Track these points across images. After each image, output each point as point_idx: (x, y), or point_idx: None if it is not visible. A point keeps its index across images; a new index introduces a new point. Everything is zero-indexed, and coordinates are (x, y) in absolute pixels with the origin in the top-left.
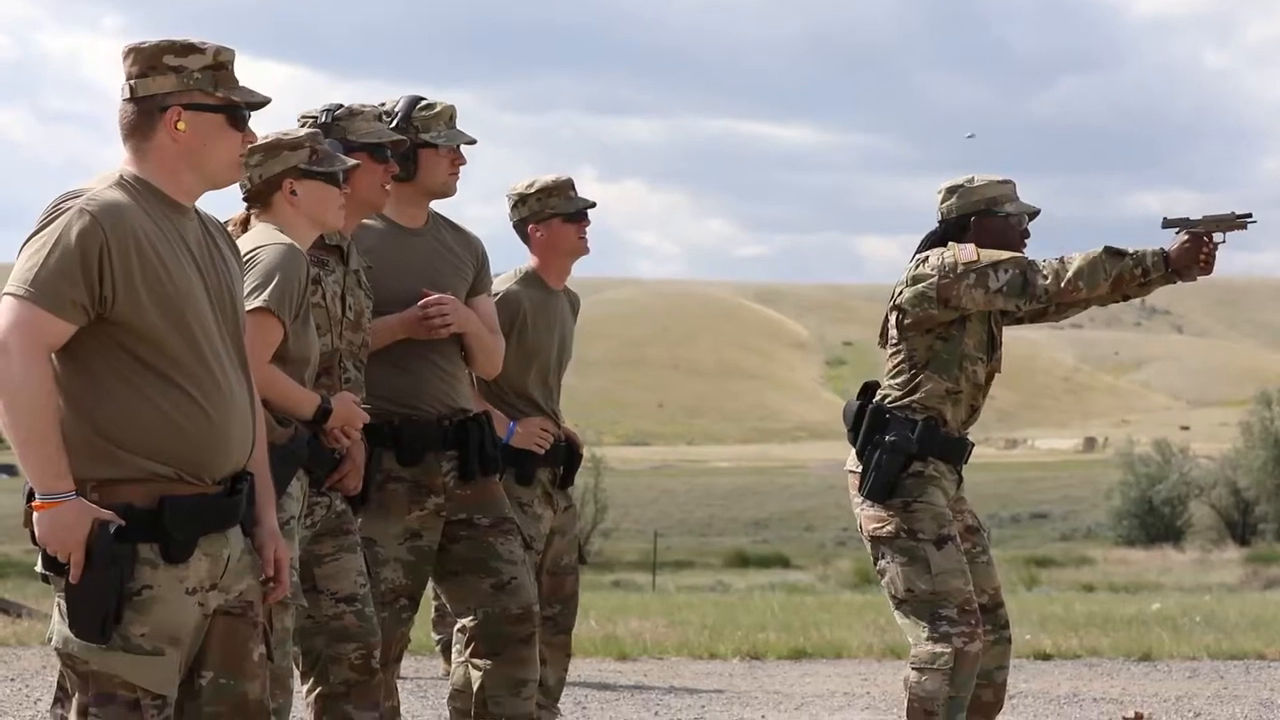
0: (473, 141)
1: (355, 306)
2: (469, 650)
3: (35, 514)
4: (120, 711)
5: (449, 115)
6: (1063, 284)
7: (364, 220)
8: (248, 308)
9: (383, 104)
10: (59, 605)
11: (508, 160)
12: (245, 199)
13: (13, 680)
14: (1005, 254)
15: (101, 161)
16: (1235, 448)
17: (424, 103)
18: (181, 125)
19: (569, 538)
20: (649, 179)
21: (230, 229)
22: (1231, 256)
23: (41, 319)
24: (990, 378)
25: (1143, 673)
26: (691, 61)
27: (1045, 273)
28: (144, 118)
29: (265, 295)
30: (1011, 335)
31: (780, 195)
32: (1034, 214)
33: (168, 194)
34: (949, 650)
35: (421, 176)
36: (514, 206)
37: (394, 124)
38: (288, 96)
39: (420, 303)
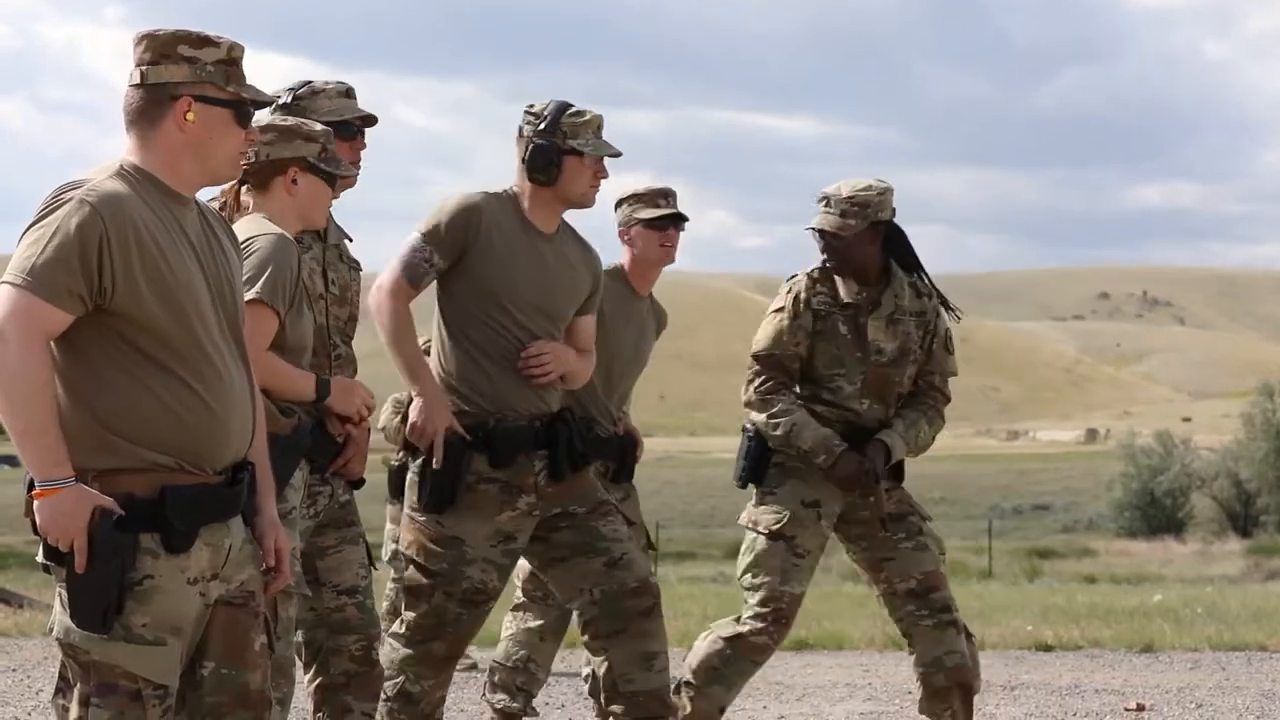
0: (618, 154)
1: (339, 281)
2: (587, 635)
3: (35, 502)
4: (122, 701)
5: (597, 125)
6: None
7: (500, 217)
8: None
9: (335, 82)
10: (60, 595)
11: (510, 151)
12: (245, 172)
13: (14, 670)
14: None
15: (101, 152)
16: (1237, 439)
17: (573, 109)
18: (191, 116)
19: (631, 524)
20: (650, 171)
21: (222, 199)
22: (1233, 249)
23: (39, 308)
24: (884, 379)
25: (1144, 664)
26: (693, 53)
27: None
28: (153, 105)
29: (259, 287)
30: (1013, 328)
31: (781, 187)
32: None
33: (168, 184)
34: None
35: (562, 184)
36: (615, 208)
37: (542, 127)
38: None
39: (522, 357)
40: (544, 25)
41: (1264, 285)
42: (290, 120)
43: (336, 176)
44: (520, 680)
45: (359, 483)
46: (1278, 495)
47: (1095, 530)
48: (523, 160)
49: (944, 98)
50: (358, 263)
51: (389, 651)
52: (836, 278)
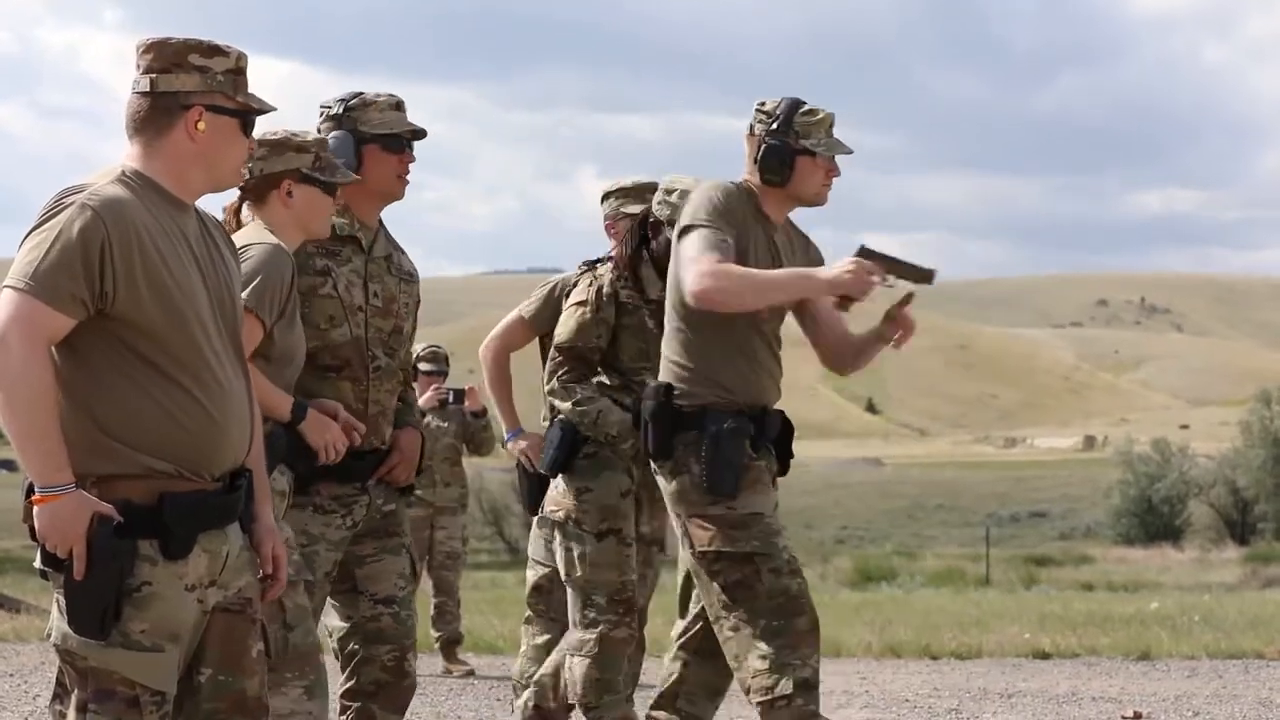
0: (850, 151)
1: (384, 293)
2: (681, 640)
3: (35, 508)
4: (119, 708)
5: (829, 123)
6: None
7: (744, 209)
8: None
9: (386, 94)
10: (58, 601)
11: (508, 157)
12: (242, 189)
13: (11, 676)
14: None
15: (101, 155)
16: (1235, 447)
17: (806, 108)
18: (201, 125)
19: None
20: (649, 176)
21: (224, 216)
22: (1232, 255)
23: (41, 312)
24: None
25: (1141, 672)
26: (692, 58)
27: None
28: (162, 114)
29: (245, 295)
30: (1012, 334)
31: None
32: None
33: (170, 191)
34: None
35: (795, 183)
36: (601, 200)
37: (774, 126)
38: (286, 93)
39: (850, 262)
40: (542, 30)
41: (1262, 292)
42: (279, 133)
43: (334, 184)
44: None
45: (408, 489)
46: (1275, 503)
47: (1093, 537)
48: (755, 159)
49: (944, 103)
50: (411, 274)
51: (752, 661)
52: (642, 272)
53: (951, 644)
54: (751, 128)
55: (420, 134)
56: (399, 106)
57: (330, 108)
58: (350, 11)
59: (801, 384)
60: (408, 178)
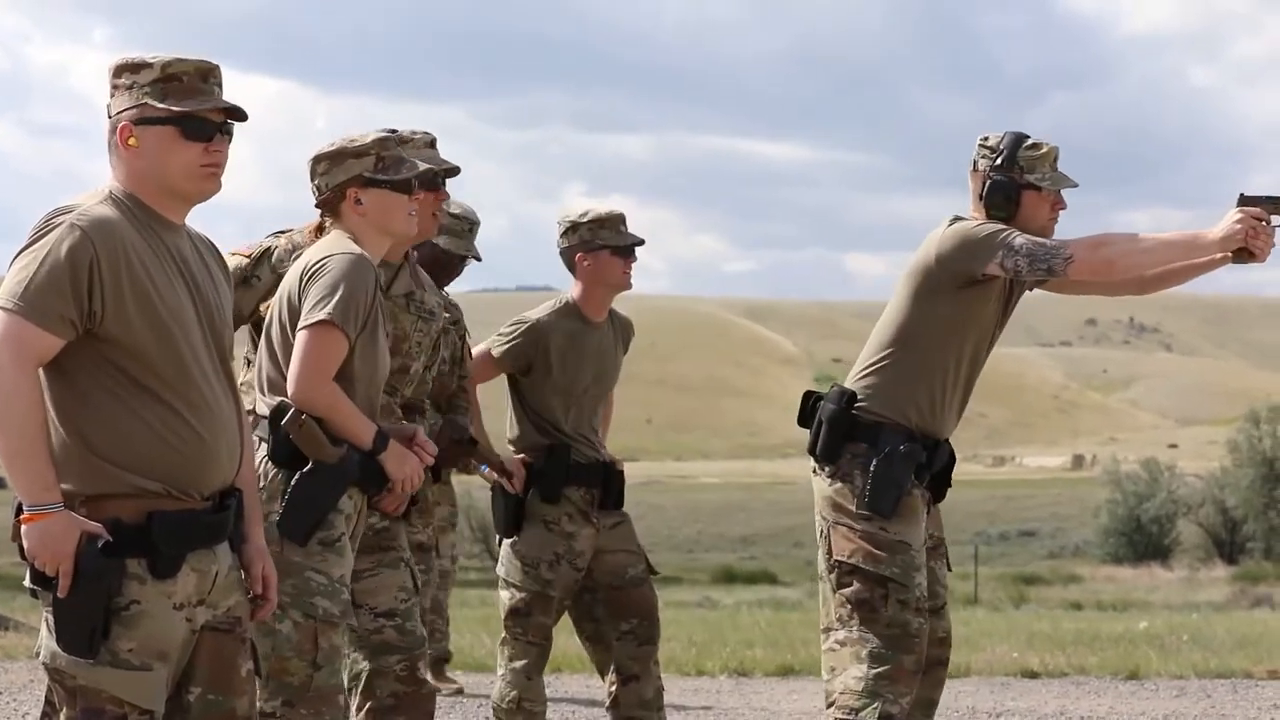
0: (1075, 184)
1: (394, 332)
2: None
3: (23, 527)
4: None
5: (1054, 157)
6: None
7: None
8: (311, 320)
9: (422, 132)
10: (47, 620)
11: (497, 176)
12: (316, 206)
13: (0, 694)
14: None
15: (91, 174)
16: (1223, 466)
17: (1030, 142)
18: (133, 141)
19: (628, 551)
20: (638, 195)
21: (305, 236)
22: (1220, 275)
23: (30, 333)
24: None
25: (1130, 691)
26: (681, 78)
27: None
28: (111, 135)
29: (330, 308)
30: (1000, 354)
31: (770, 212)
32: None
33: (155, 209)
34: None
35: (1021, 217)
36: (564, 234)
37: (998, 162)
38: (276, 111)
39: (1235, 214)
40: (533, 50)
41: (1251, 312)
42: (336, 142)
43: (404, 180)
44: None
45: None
46: (1264, 522)
47: (1081, 557)
48: (980, 196)
49: (933, 123)
50: (432, 312)
51: (856, 679)
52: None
53: None
54: (975, 163)
55: (454, 171)
56: (433, 144)
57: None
58: (341, 30)
59: (792, 400)
60: (439, 215)
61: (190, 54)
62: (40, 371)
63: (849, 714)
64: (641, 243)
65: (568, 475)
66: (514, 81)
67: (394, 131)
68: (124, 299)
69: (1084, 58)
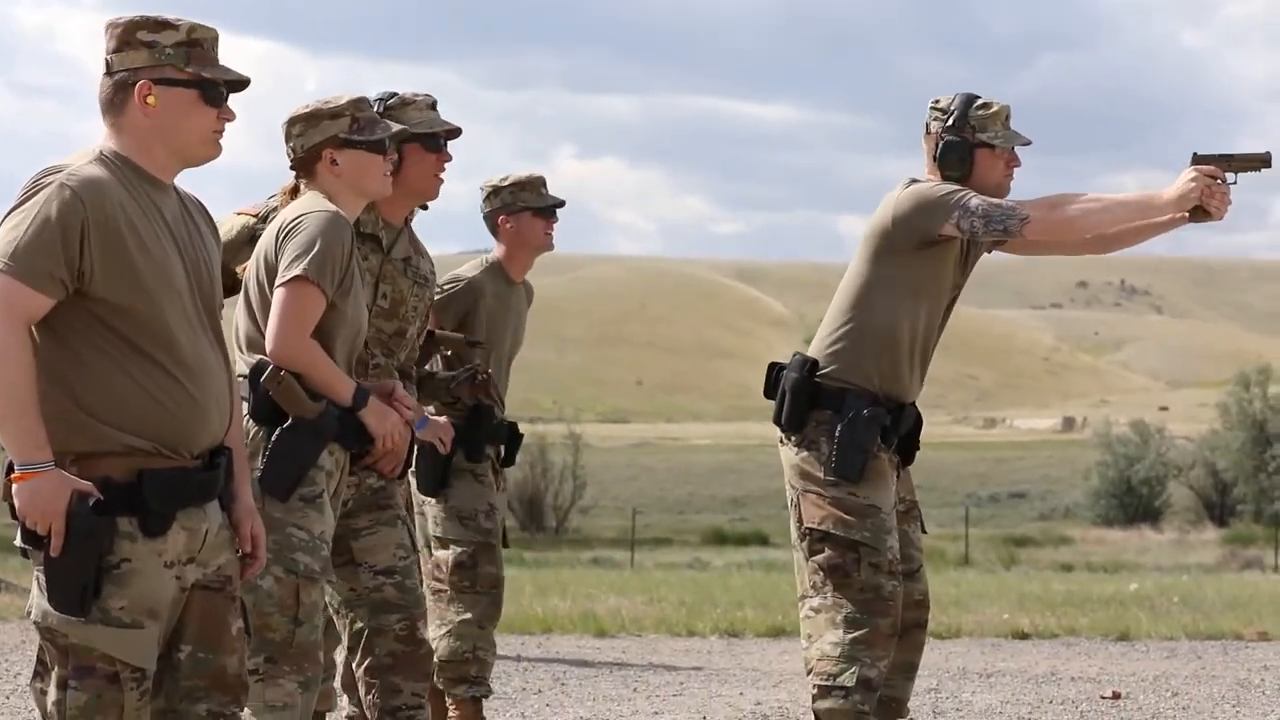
0: (1028, 142)
1: (392, 295)
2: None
3: (14, 486)
4: (99, 684)
5: (1005, 115)
6: None
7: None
8: (288, 276)
9: (423, 94)
10: (38, 579)
11: (486, 137)
12: (291, 168)
13: None
14: None
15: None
16: (1213, 429)
17: (980, 101)
18: (151, 99)
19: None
20: (627, 156)
21: (279, 198)
22: (1212, 237)
23: (20, 292)
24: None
25: (1120, 652)
26: (671, 39)
27: None
28: (118, 92)
29: (306, 264)
30: (990, 316)
31: (759, 173)
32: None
33: (146, 169)
34: None
35: (976, 176)
36: (486, 198)
37: (950, 123)
38: (264, 71)
39: (1189, 173)
40: (521, 10)
41: (1242, 274)
42: (311, 104)
43: (378, 141)
44: (474, 670)
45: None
46: (1254, 485)
47: (1072, 519)
48: (934, 158)
49: (922, 84)
50: (427, 279)
51: (831, 644)
52: None
53: (931, 624)
54: (927, 126)
55: (456, 133)
56: (434, 106)
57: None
58: None
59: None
60: (443, 176)
61: (203, 20)
62: (31, 330)
63: (827, 680)
64: (562, 204)
65: (490, 434)
66: (503, 42)
67: (395, 94)
68: (113, 258)
69: (1073, 19)
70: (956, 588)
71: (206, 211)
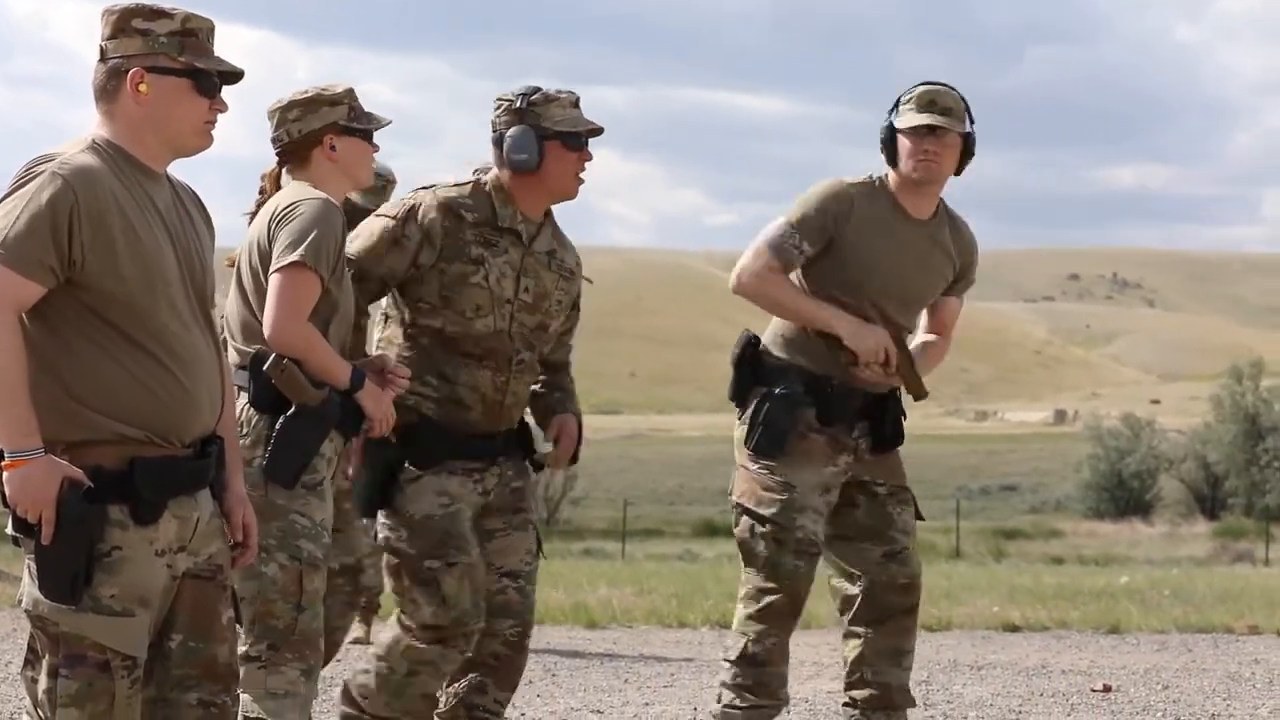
0: (943, 124)
1: (535, 289)
2: (849, 618)
3: (5, 473)
4: (90, 672)
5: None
6: None
7: (867, 206)
8: (284, 262)
9: (567, 91)
10: (29, 567)
11: (480, 128)
12: (280, 153)
13: None
14: None
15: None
16: (1205, 422)
17: (547, 93)
18: (144, 87)
19: None
20: (621, 148)
21: (262, 184)
22: (1204, 231)
23: (11, 280)
24: None
25: (1111, 645)
26: (665, 31)
27: None
28: (112, 79)
29: (302, 249)
30: (982, 308)
31: (752, 166)
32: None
33: (138, 158)
34: None
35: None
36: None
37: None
38: (256, 61)
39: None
40: (515, 2)
41: (1234, 268)
42: (309, 91)
43: (371, 130)
44: None
45: (538, 466)
46: (1245, 478)
47: (1063, 511)
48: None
49: (914, 78)
50: (571, 271)
51: (737, 615)
52: None
53: (922, 616)
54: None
55: (598, 131)
56: (577, 104)
57: (510, 101)
58: None
59: None
60: (583, 176)
61: (197, 10)
62: (22, 318)
63: (727, 653)
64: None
65: None
66: (496, 34)
67: (538, 89)
68: (105, 247)
69: (1068, 13)
70: (947, 580)
71: (200, 201)
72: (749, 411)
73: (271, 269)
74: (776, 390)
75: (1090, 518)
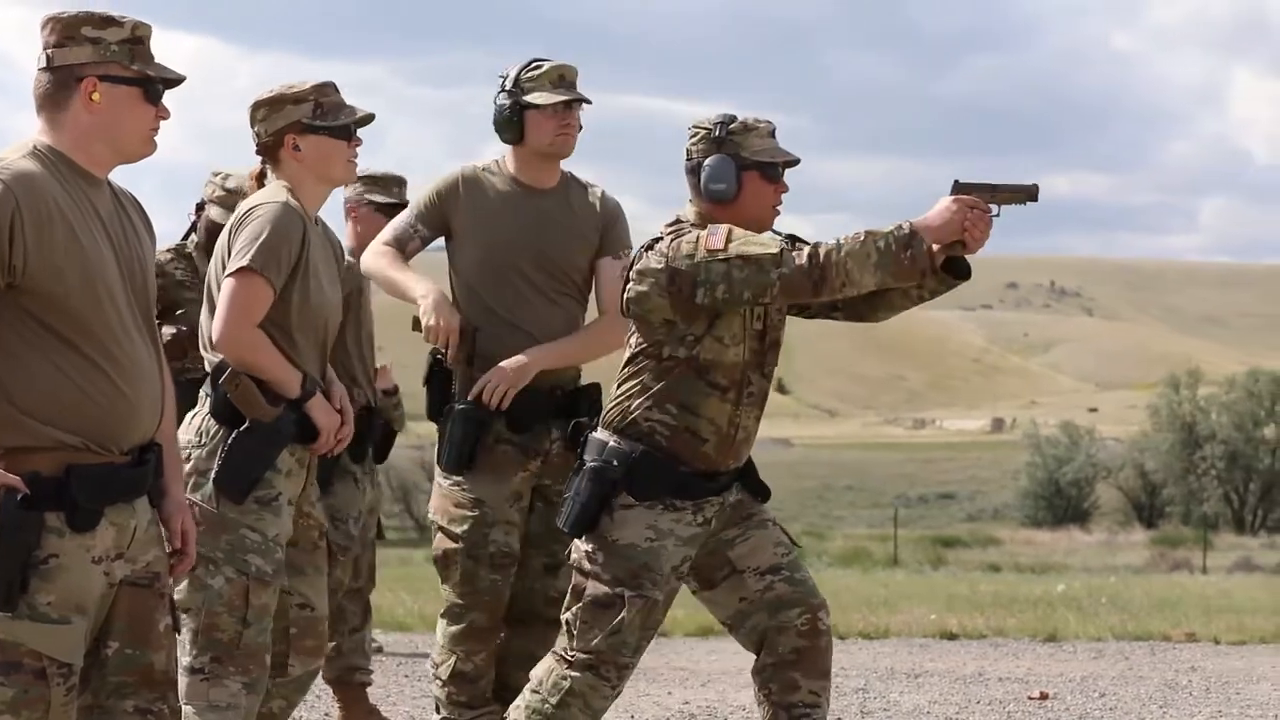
0: (582, 96)
1: (765, 319)
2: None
3: None
4: (27, 679)
5: (554, 76)
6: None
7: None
8: (233, 268)
9: (765, 120)
10: None
11: (418, 133)
12: (257, 153)
13: None
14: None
15: (8, 129)
16: (1143, 430)
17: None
18: (96, 96)
19: (375, 513)
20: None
21: (249, 184)
22: (1142, 240)
23: None
24: None
25: (1048, 653)
26: (602, 36)
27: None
28: (59, 88)
29: (250, 255)
30: (920, 316)
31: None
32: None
33: (80, 165)
34: None
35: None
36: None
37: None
38: (196, 68)
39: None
40: (454, 7)
41: (1171, 276)
42: (275, 89)
43: (342, 126)
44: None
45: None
46: (1182, 487)
47: (1000, 519)
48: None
49: (854, 84)
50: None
51: (437, 633)
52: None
53: (859, 624)
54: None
55: (794, 162)
56: (774, 133)
57: (708, 130)
58: None
59: None
60: (779, 208)
61: (139, 15)
62: None
63: (434, 668)
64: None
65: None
66: (435, 39)
67: (735, 117)
68: (46, 253)
69: (1004, 20)
70: (885, 588)
71: (141, 207)
72: (443, 426)
73: (224, 274)
74: (459, 406)
75: (1028, 526)
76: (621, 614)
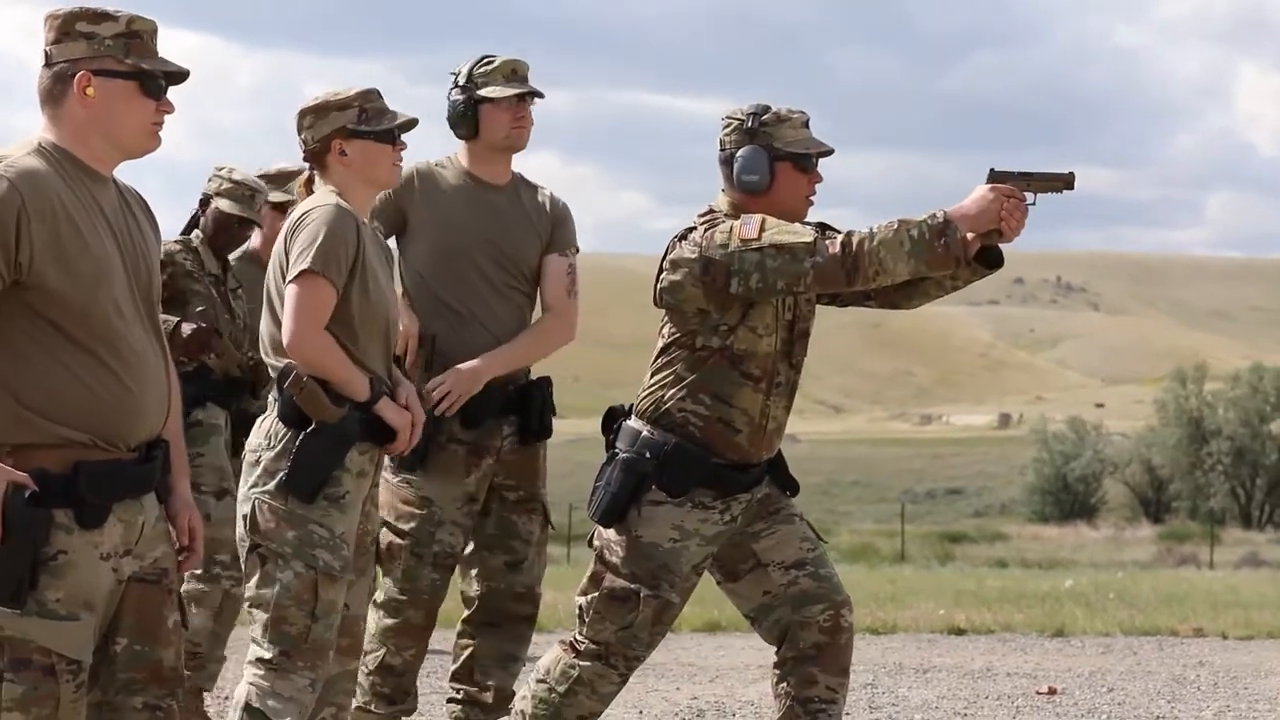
0: (530, 89)
1: (795, 309)
2: (465, 617)
3: None
4: (36, 676)
5: (508, 70)
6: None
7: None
8: (295, 272)
9: (798, 111)
10: None
11: (419, 132)
12: (305, 160)
13: None
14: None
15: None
16: (1150, 426)
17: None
18: (90, 91)
19: None
20: (561, 151)
21: (298, 190)
22: (1147, 234)
23: None
24: None
25: (1056, 648)
26: (604, 35)
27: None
28: (57, 84)
29: (311, 258)
30: (927, 312)
31: (694, 169)
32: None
33: (84, 161)
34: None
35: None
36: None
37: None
38: (196, 65)
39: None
40: (455, 7)
41: (1178, 271)
42: (320, 96)
43: (386, 131)
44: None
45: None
46: (1189, 481)
47: (1008, 515)
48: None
49: (854, 81)
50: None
51: (371, 624)
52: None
53: (867, 620)
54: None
55: (828, 152)
56: (807, 124)
57: (741, 120)
58: None
59: None
60: (813, 199)
61: (139, 11)
62: None
63: (363, 659)
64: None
65: None
66: (435, 37)
67: (769, 108)
68: (51, 250)
69: (1007, 16)
70: (892, 584)
71: (146, 204)
72: None
73: (286, 280)
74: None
75: (1035, 521)
76: (635, 611)
